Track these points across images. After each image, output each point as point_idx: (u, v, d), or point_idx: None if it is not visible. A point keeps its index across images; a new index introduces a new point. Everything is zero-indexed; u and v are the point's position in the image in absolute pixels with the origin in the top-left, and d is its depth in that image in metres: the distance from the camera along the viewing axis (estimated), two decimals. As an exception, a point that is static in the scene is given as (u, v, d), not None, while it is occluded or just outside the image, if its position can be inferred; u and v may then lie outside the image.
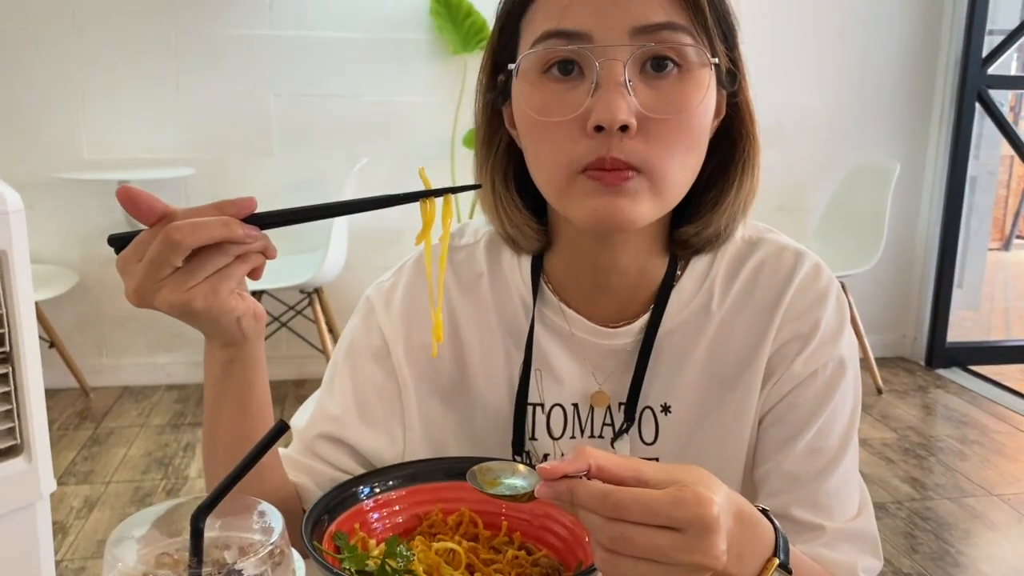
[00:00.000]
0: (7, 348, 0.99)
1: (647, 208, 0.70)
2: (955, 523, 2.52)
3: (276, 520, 0.51)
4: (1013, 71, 5.92)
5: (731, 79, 0.74)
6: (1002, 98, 4.64)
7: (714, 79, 0.71)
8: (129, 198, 0.59)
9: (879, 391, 3.59)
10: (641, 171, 0.68)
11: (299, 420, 0.87)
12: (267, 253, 0.63)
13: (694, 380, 0.81)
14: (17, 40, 3.27)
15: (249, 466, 0.50)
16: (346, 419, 0.83)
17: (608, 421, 0.82)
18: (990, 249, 5.68)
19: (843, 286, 3.74)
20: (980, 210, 4.96)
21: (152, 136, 3.43)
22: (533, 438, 0.84)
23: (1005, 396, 3.60)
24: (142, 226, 0.61)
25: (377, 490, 0.76)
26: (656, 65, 0.67)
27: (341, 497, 0.73)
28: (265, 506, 0.52)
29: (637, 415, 0.81)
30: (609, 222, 0.69)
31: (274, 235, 0.63)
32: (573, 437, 0.83)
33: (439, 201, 0.66)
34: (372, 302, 0.86)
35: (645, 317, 0.81)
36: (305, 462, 0.83)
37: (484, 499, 0.65)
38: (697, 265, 0.81)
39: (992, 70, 3.83)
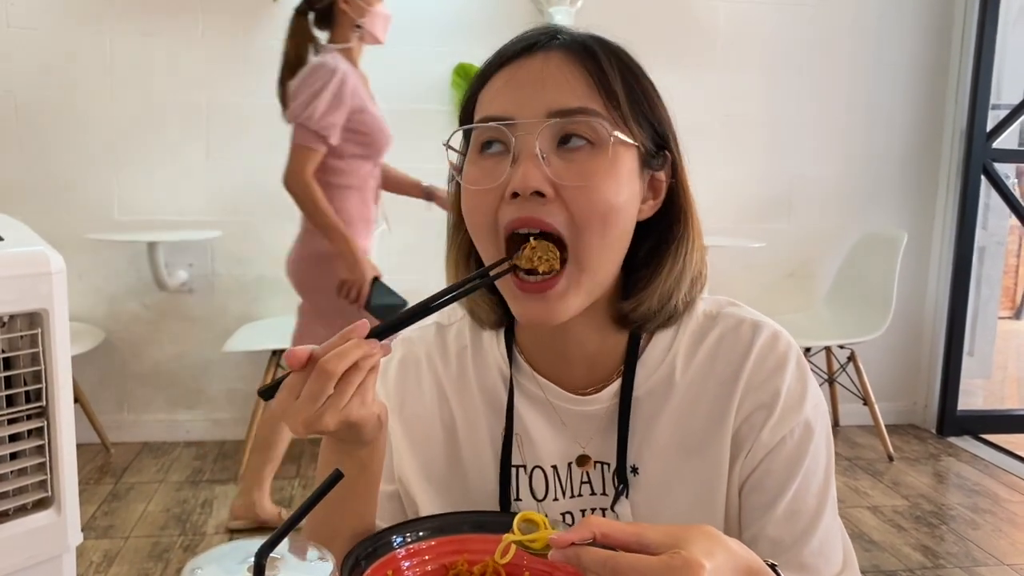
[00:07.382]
0: (43, 403, 1.05)
1: (575, 301, 0.78)
2: (967, 592, 2.52)
3: (329, 558, 0.58)
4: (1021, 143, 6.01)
5: (660, 161, 0.81)
6: (1008, 170, 4.73)
7: (635, 160, 0.78)
8: (297, 358, 0.69)
9: (890, 458, 3.61)
10: (564, 241, 0.75)
11: None
12: (384, 352, 0.72)
13: (661, 447, 0.85)
14: (57, 105, 3.43)
15: (307, 510, 0.57)
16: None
17: (585, 479, 0.87)
18: (1001, 318, 5.70)
19: (853, 353, 3.76)
20: (989, 279, 5.01)
21: (181, 199, 3.56)
22: (518, 499, 0.88)
23: (1017, 465, 3.60)
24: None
25: (409, 539, 0.82)
26: (568, 139, 0.76)
27: (376, 545, 0.79)
28: (321, 550, 0.59)
29: (616, 475, 0.86)
30: (540, 323, 0.78)
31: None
32: (556, 500, 0.88)
33: None
34: None
35: (612, 386, 0.86)
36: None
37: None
38: (660, 340, 0.86)
39: (997, 144, 3.92)
